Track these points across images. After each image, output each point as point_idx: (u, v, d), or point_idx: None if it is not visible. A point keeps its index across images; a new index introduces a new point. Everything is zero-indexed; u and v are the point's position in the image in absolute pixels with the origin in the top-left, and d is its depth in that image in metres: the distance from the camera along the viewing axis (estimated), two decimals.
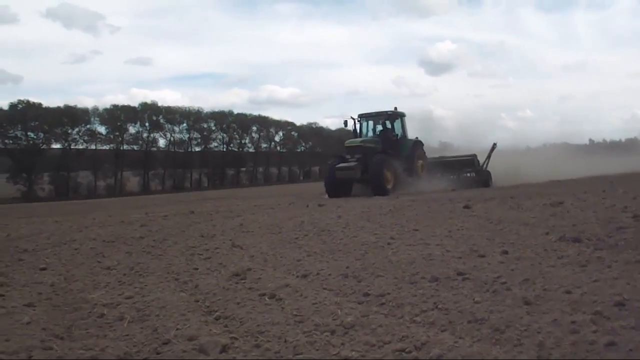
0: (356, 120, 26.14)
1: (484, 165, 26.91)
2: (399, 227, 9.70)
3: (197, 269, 7.28)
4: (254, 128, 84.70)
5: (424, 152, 26.46)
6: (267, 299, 5.38)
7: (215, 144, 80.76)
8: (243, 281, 6.26)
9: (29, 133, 64.29)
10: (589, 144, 58.16)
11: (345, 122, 26.32)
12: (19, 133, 63.82)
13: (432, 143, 30.33)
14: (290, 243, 8.85)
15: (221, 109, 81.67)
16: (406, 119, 26.47)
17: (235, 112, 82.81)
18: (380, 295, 5.16)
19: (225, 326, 4.68)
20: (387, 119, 25.72)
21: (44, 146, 65.99)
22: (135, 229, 12.03)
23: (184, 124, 76.95)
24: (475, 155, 26.92)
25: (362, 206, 14.98)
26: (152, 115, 73.01)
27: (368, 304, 4.98)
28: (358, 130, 26.14)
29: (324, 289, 5.68)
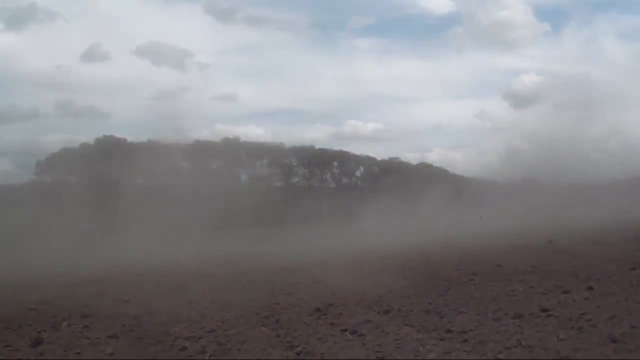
0: None
1: None
2: (482, 263, 9.56)
3: (279, 303, 7.37)
4: (335, 163, 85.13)
5: None
6: (348, 334, 5.43)
7: (297, 179, 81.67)
8: (324, 316, 6.33)
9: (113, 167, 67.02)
10: None
11: None
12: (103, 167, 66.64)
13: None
14: (372, 278, 8.85)
15: (303, 145, 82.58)
16: None
17: (318, 147, 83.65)
18: (462, 332, 5.14)
19: None
20: None
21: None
22: (218, 263, 12.17)
23: (265, 160, 78.21)
24: None
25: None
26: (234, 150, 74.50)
27: (450, 340, 4.97)
28: None
29: (406, 325, 5.69)
